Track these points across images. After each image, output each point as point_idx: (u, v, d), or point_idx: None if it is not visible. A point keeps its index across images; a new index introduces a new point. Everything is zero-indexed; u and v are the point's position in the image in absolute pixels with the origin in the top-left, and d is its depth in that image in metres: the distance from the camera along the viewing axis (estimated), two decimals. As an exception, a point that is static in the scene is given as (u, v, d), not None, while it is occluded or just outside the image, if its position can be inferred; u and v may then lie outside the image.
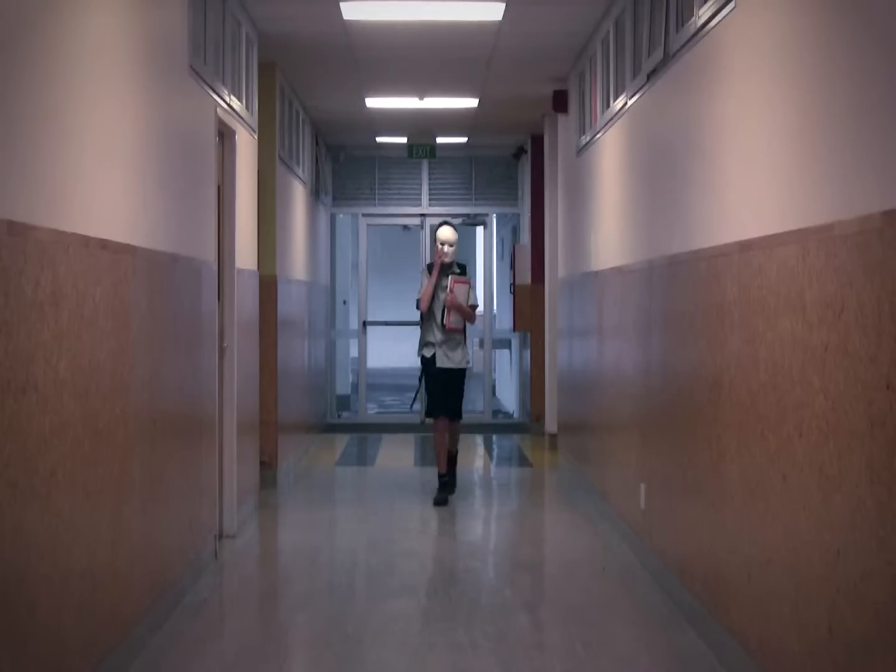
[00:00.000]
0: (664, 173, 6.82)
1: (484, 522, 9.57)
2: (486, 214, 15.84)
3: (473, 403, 15.95)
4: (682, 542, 6.21)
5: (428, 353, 9.80)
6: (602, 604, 6.60)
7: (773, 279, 4.57)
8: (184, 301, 6.51)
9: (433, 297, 9.75)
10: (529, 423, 14.64)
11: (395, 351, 22.05)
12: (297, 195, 12.05)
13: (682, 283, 6.17)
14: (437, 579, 7.32)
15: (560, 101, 11.36)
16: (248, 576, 7.46)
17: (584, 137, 10.13)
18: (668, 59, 6.63)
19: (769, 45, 4.74)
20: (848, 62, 3.89)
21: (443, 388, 9.79)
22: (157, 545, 5.90)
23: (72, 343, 4.44)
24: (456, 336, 9.80)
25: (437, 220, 11.08)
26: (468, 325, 9.92)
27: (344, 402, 16.65)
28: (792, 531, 4.35)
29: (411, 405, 12.09)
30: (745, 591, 5.00)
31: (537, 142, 13.64)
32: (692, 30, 5.99)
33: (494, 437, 14.55)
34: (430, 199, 15.78)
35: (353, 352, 16.73)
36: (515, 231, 16.07)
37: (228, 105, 7.91)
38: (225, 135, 7.99)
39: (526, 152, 14.69)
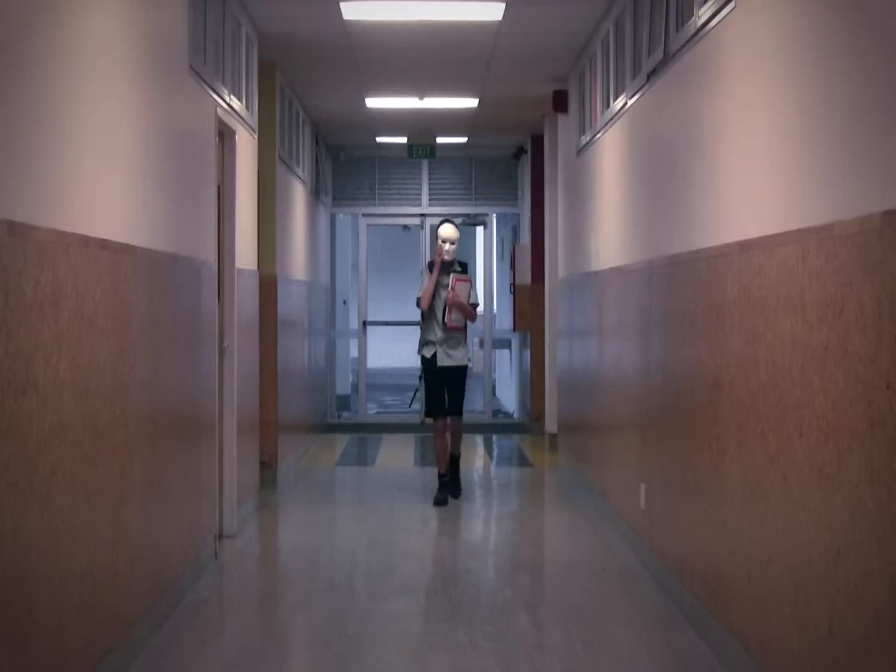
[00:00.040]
0: (664, 173, 6.81)
1: (484, 522, 9.57)
2: (486, 214, 15.83)
3: (473, 403, 15.94)
4: (682, 542, 6.21)
5: (428, 352, 9.80)
6: (602, 604, 6.60)
7: (773, 279, 4.57)
8: (184, 301, 6.51)
9: (434, 295, 9.75)
10: (529, 423, 14.63)
11: (395, 351, 22.04)
12: (297, 195, 12.05)
13: (682, 283, 6.17)
14: (437, 579, 7.31)
15: (560, 101, 11.36)
16: (248, 576, 7.46)
17: (584, 137, 10.13)
18: (668, 59, 6.63)
19: (769, 45, 4.74)
20: (848, 62, 3.89)
21: (444, 388, 9.80)
22: (157, 545, 5.90)
23: (72, 343, 4.44)
24: (457, 334, 9.80)
25: (436, 221, 11.05)
26: (469, 323, 9.93)
27: (344, 402, 16.65)
28: (792, 531, 4.35)
29: (410, 403, 12.08)
30: (745, 591, 4.99)
31: (537, 142, 13.63)
32: (692, 30, 5.98)
33: (494, 437, 14.54)
34: (430, 199, 15.77)
35: (353, 352, 16.72)
36: (515, 231, 16.06)
37: (228, 105, 7.91)
38: (225, 135, 7.99)
39: (526, 152, 14.68)
